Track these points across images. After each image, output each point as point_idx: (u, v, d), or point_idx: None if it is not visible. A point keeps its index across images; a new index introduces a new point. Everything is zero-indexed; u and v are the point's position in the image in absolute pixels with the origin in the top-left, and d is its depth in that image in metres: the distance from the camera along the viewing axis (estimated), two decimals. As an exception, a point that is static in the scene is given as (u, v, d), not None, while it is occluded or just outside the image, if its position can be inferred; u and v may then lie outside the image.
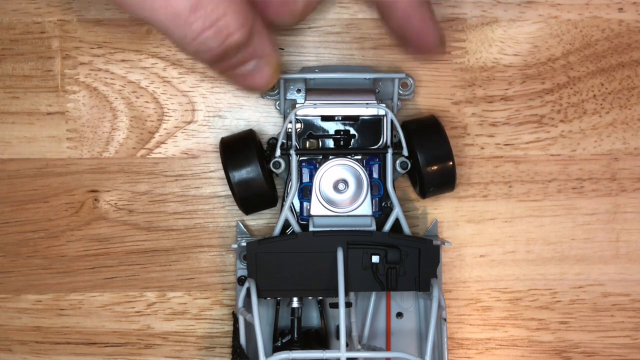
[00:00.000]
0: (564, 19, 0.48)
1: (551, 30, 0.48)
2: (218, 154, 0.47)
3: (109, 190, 0.48)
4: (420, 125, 0.46)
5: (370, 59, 0.48)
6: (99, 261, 0.48)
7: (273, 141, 0.46)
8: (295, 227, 0.44)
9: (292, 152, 0.44)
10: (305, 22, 0.48)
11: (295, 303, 0.44)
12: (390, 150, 0.44)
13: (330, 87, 0.45)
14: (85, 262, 0.48)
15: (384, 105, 0.45)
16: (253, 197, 0.44)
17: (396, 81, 0.46)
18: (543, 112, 0.49)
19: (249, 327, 0.42)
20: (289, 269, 0.42)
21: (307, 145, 0.45)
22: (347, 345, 0.43)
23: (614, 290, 0.49)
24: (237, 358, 0.43)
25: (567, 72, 0.49)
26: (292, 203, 0.44)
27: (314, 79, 0.46)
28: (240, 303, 0.43)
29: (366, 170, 0.44)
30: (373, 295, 0.46)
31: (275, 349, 0.45)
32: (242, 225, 0.47)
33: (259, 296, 0.41)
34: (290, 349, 0.41)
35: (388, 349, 0.47)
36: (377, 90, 0.46)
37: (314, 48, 0.48)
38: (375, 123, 0.45)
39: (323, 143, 0.45)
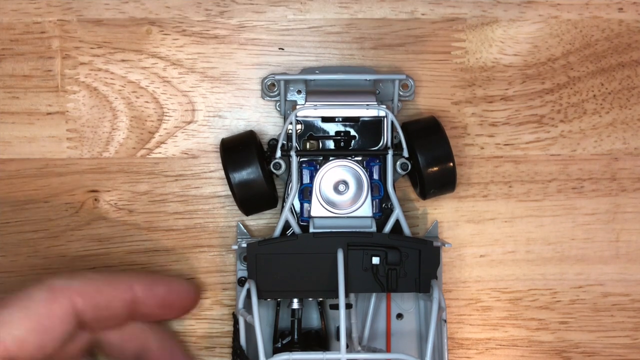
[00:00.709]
0: (564, 19, 0.48)
1: (551, 30, 0.48)
2: (218, 154, 0.47)
3: (109, 190, 0.48)
4: (420, 126, 0.46)
5: (370, 59, 0.48)
6: (99, 261, 0.48)
7: (273, 142, 0.46)
8: (296, 229, 0.44)
9: (293, 153, 0.44)
10: (305, 22, 0.48)
11: (295, 304, 0.44)
12: (390, 152, 0.44)
13: (331, 88, 0.45)
14: (85, 262, 0.48)
15: (384, 106, 0.44)
16: (253, 198, 0.44)
17: (396, 82, 0.46)
18: (543, 112, 0.49)
19: (249, 328, 0.42)
20: (290, 270, 0.42)
21: (308, 147, 0.45)
22: (347, 346, 0.43)
23: (614, 290, 0.49)
24: (238, 359, 0.43)
25: (567, 72, 0.49)
26: (293, 204, 0.44)
27: (314, 80, 0.46)
28: (241, 304, 0.43)
29: (366, 171, 0.44)
30: (373, 296, 0.46)
31: (276, 350, 0.45)
32: (242, 226, 0.47)
33: (259, 297, 0.41)
34: (291, 350, 0.41)
35: (388, 350, 0.47)
36: (377, 92, 0.46)
37: (314, 48, 0.48)
38: (375, 124, 0.45)
39: (323, 144, 0.45)
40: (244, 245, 0.43)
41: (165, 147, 0.48)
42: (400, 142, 0.44)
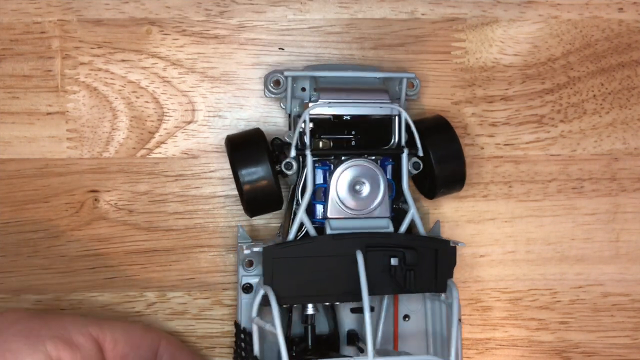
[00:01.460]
0: (564, 19, 0.48)
1: (551, 30, 0.48)
2: (218, 154, 0.47)
3: (109, 190, 0.48)
4: (430, 125, 0.45)
5: (370, 59, 0.48)
6: (99, 261, 0.48)
7: (277, 141, 0.45)
8: (311, 231, 0.42)
9: (308, 152, 0.42)
10: (305, 22, 0.48)
11: (310, 310, 0.43)
12: (405, 151, 0.43)
13: (342, 85, 0.44)
14: (85, 262, 0.48)
15: (397, 105, 0.43)
16: (262, 198, 0.43)
17: (404, 81, 0.45)
18: (543, 112, 0.49)
19: (260, 337, 0.41)
20: (308, 273, 0.40)
21: (321, 145, 0.43)
22: (361, 350, 0.42)
23: (614, 290, 0.49)
24: None
25: (567, 72, 0.49)
26: (297, 206, 0.43)
27: (324, 77, 0.44)
28: (255, 312, 0.41)
29: (379, 171, 0.43)
30: (386, 298, 0.46)
31: (290, 358, 0.42)
32: (242, 230, 0.46)
33: (279, 304, 0.39)
34: (305, 357, 0.40)
35: (396, 350, 0.46)
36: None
37: (314, 48, 0.48)
38: (382, 123, 0.44)
39: (334, 143, 0.44)
40: (247, 251, 0.42)
41: (165, 147, 0.48)
42: (408, 141, 0.44)
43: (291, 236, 0.42)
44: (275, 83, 0.46)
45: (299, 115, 0.45)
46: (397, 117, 0.43)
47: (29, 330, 0.38)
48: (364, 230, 0.42)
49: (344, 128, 0.44)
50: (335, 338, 0.46)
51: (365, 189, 0.42)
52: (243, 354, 0.43)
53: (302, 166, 0.43)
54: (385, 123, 0.44)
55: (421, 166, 0.44)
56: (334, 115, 0.43)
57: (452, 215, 0.49)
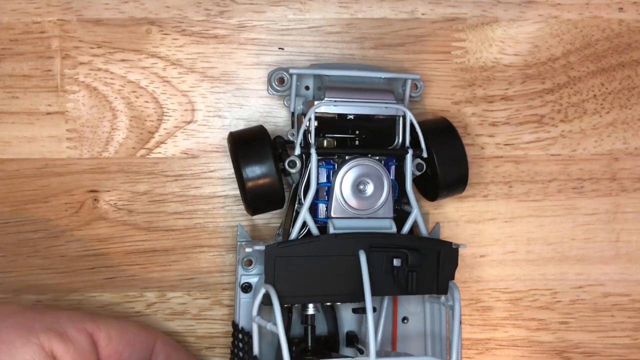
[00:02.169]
0: (564, 18, 0.48)
1: (551, 30, 0.48)
2: (218, 154, 0.47)
3: (108, 190, 0.48)
4: (434, 127, 0.45)
5: (371, 59, 0.48)
6: (99, 261, 0.48)
7: (280, 139, 0.45)
8: (314, 230, 0.42)
9: (313, 150, 0.41)
10: (305, 22, 0.48)
11: (310, 310, 0.43)
12: (410, 151, 0.43)
13: (348, 85, 0.44)
14: (85, 262, 0.48)
15: (403, 105, 0.43)
16: (265, 196, 0.42)
17: (409, 82, 0.45)
18: (543, 112, 0.49)
19: (261, 337, 0.41)
20: (310, 273, 0.40)
21: (325, 144, 0.43)
22: (361, 352, 0.42)
23: (614, 290, 0.49)
24: None
25: (567, 72, 0.49)
26: (300, 205, 0.42)
27: (330, 76, 0.44)
28: (255, 312, 0.41)
29: (382, 171, 0.43)
30: (386, 299, 0.45)
31: (290, 359, 0.42)
32: (242, 229, 0.47)
33: (281, 303, 0.39)
34: (304, 358, 0.40)
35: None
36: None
37: (314, 48, 0.48)
38: (387, 123, 0.44)
39: (338, 142, 0.44)
40: (249, 249, 0.42)
41: (165, 147, 0.48)
42: (413, 142, 0.43)
43: (294, 235, 0.42)
44: (280, 81, 0.46)
45: (303, 114, 0.44)
46: (401, 118, 0.43)
47: (22, 322, 0.38)
48: (367, 231, 0.41)
49: (348, 127, 0.44)
50: (334, 339, 0.45)
51: (369, 189, 0.42)
52: (240, 354, 0.43)
53: (305, 165, 0.42)
54: (388, 123, 0.44)
55: (424, 167, 0.44)
56: (338, 115, 0.43)
57: (452, 215, 0.49)
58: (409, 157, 0.43)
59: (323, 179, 0.43)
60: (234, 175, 0.44)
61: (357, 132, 0.44)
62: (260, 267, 0.44)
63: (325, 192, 0.43)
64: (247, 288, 0.44)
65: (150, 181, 0.48)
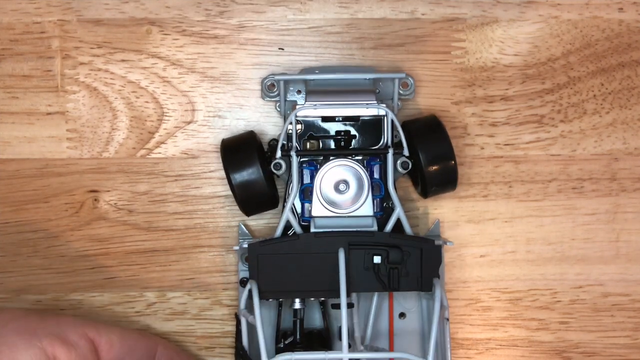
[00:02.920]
0: (564, 19, 0.48)
1: (551, 30, 0.48)
2: (218, 154, 0.47)
3: (109, 190, 0.48)
4: (421, 125, 0.46)
5: (370, 59, 0.48)
6: (99, 261, 0.48)
7: (274, 142, 0.46)
8: (297, 228, 0.44)
9: (293, 153, 0.44)
10: (305, 22, 0.48)
11: (297, 304, 0.44)
12: (390, 151, 0.44)
13: (331, 87, 0.45)
14: (85, 262, 0.48)
15: (384, 105, 0.44)
16: (254, 198, 0.44)
17: (396, 81, 0.46)
18: (543, 112, 0.49)
19: (252, 328, 0.42)
20: (291, 270, 0.42)
21: (308, 146, 0.45)
22: (349, 346, 0.43)
23: (614, 290, 0.49)
24: (240, 359, 0.43)
25: (567, 72, 0.49)
26: (294, 204, 0.44)
27: (314, 80, 0.45)
28: (242, 304, 0.43)
29: (367, 170, 0.44)
30: (375, 295, 0.46)
31: (278, 350, 0.45)
32: (243, 227, 0.47)
33: (261, 298, 0.41)
34: (293, 350, 0.41)
35: (391, 349, 0.47)
36: (377, 91, 0.46)
37: (314, 48, 0.48)
38: (375, 123, 0.45)
39: (324, 144, 0.45)
40: (246, 245, 0.43)
41: (165, 147, 0.48)
42: (400, 141, 0.44)
43: (277, 233, 0.44)
44: (270, 87, 0.47)
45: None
46: (385, 118, 0.44)
47: (25, 327, 0.39)
48: (347, 229, 0.43)
49: (335, 129, 0.45)
50: (327, 333, 0.46)
51: (349, 189, 0.44)
52: (237, 343, 0.44)
53: (289, 167, 0.44)
54: (376, 123, 0.45)
55: (410, 165, 0.44)
56: (322, 117, 0.45)
57: (452, 215, 0.49)
58: (389, 156, 0.44)
59: (307, 180, 0.44)
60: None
61: (342, 133, 0.45)
62: None
63: (310, 192, 0.44)
64: (245, 282, 0.46)
65: (150, 181, 0.48)
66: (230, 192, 0.46)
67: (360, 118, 0.45)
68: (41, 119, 0.48)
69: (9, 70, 0.47)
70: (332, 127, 0.45)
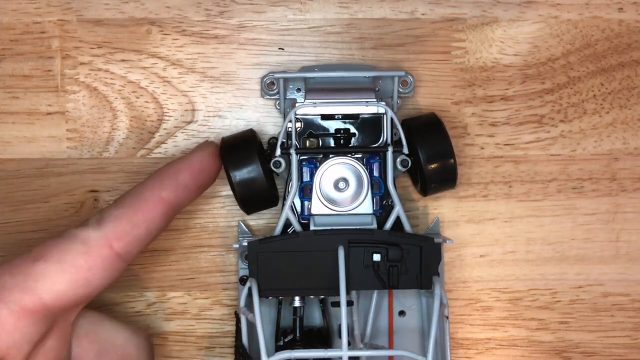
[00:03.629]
0: (564, 19, 0.48)
1: (551, 30, 0.48)
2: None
3: (109, 190, 0.48)
4: (420, 123, 0.46)
5: (370, 59, 0.48)
6: (99, 261, 0.48)
7: (273, 141, 0.46)
8: (296, 226, 0.44)
9: (292, 151, 0.44)
10: (305, 22, 0.48)
11: (297, 302, 0.44)
12: (390, 148, 0.44)
13: (330, 86, 0.45)
14: (85, 262, 0.48)
15: (383, 103, 0.44)
16: (254, 196, 0.44)
17: (396, 79, 0.46)
18: (543, 112, 0.49)
19: (251, 326, 0.42)
20: (291, 268, 0.42)
21: (307, 144, 0.45)
22: (349, 344, 0.43)
23: (614, 290, 0.49)
24: (240, 358, 0.43)
25: (567, 72, 0.49)
26: (293, 202, 0.44)
27: (313, 78, 0.46)
28: (242, 302, 0.43)
29: (367, 168, 0.44)
30: (375, 293, 0.46)
31: (278, 349, 0.45)
32: (243, 225, 0.47)
33: (261, 296, 0.41)
34: (293, 348, 0.41)
35: (390, 347, 0.47)
36: (377, 89, 0.46)
37: (314, 48, 0.48)
38: (375, 121, 0.45)
39: (323, 142, 0.45)
40: (245, 244, 0.43)
41: (165, 147, 0.48)
42: (400, 138, 0.44)
43: (277, 231, 0.44)
44: (270, 85, 0.47)
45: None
46: (384, 115, 0.44)
47: None
48: (346, 227, 0.43)
49: (335, 127, 0.45)
50: (326, 331, 0.46)
51: (349, 187, 0.44)
52: (237, 341, 0.44)
53: (289, 165, 0.44)
54: (376, 121, 0.45)
55: (409, 163, 0.44)
56: (322, 115, 0.45)
57: (452, 215, 0.49)
58: (389, 154, 0.44)
59: (307, 178, 0.44)
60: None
61: (342, 131, 0.45)
62: None
63: (309, 190, 0.44)
64: (245, 281, 0.46)
65: (150, 181, 0.48)
66: (230, 192, 0.46)
67: (360, 116, 0.45)
68: (41, 119, 0.48)
69: (9, 70, 0.48)
70: (332, 125, 0.45)
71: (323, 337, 0.46)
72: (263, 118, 0.48)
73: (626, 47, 0.49)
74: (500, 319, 0.49)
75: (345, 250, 0.42)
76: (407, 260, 0.42)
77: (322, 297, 0.46)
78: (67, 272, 0.37)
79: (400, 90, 0.47)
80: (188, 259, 0.48)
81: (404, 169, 0.45)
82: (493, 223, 0.49)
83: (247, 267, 0.45)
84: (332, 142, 0.45)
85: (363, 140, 0.45)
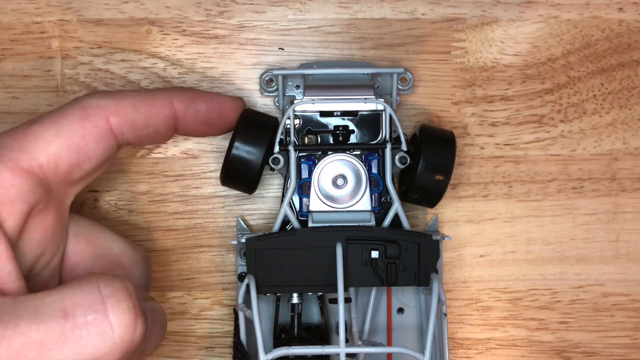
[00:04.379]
0: (564, 19, 0.48)
1: (551, 30, 0.48)
2: (218, 154, 0.48)
3: (109, 190, 0.48)
4: (436, 133, 0.45)
5: (370, 59, 0.48)
6: (99, 261, 0.48)
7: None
8: (295, 223, 0.44)
9: (291, 147, 0.44)
10: (305, 22, 0.48)
11: (295, 299, 0.44)
12: (389, 145, 0.44)
13: (329, 82, 0.45)
14: (85, 262, 0.48)
15: (382, 100, 0.44)
16: (239, 175, 0.44)
17: (395, 76, 0.46)
18: (543, 112, 0.49)
19: (250, 323, 0.42)
20: (289, 264, 0.42)
21: (306, 141, 0.45)
22: (347, 340, 0.43)
23: (614, 290, 0.49)
24: (238, 354, 0.43)
25: (567, 72, 0.49)
26: (292, 199, 0.44)
27: (312, 74, 0.46)
28: (240, 299, 0.43)
29: (365, 165, 0.44)
30: (373, 290, 0.46)
31: (276, 345, 0.45)
32: (242, 222, 0.47)
33: (259, 292, 0.41)
34: (290, 345, 0.41)
35: (389, 344, 0.47)
36: (375, 86, 0.46)
37: (314, 48, 0.48)
38: (374, 118, 0.45)
39: (322, 139, 0.45)
40: (244, 240, 0.43)
41: (165, 147, 0.48)
42: (399, 135, 0.44)
43: (275, 228, 0.44)
44: (269, 82, 0.47)
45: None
46: (383, 112, 0.44)
47: None
48: (345, 224, 0.43)
49: (333, 124, 0.45)
50: (325, 328, 0.46)
51: (347, 183, 0.44)
52: (235, 338, 0.44)
53: (287, 161, 0.44)
54: (375, 118, 0.45)
55: (408, 161, 0.44)
56: (320, 112, 0.45)
57: (452, 215, 0.49)
58: (388, 150, 0.44)
59: (305, 175, 0.44)
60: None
61: (341, 128, 0.45)
62: None
63: (307, 187, 0.44)
64: (243, 277, 0.46)
65: (150, 181, 0.48)
66: (230, 192, 0.46)
67: (359, 113, 0.45)
68: (41, 119, 0.48)
69: (9, 70, 0.48)
70: (331, 122, 0.45)
71: (321, 334, 0.46)
72: (263, 118, 0.48)
73: (626, 47, 0.49)
74: (500, 319, 0.49)
75: (343, 247, 0.42)
76: (406, 257, 0.42)
77: (320, 293, 0.46)
78: (61, 136, 0.37)
79: (400, 87, 0.47)
80: (188, 259, 0.48)
81: (402, 166, 0.45)
82: (493, 223, 0.49)
83: (245, 264, 0.45)
84: (330, 139, 0.45)
85: (362, 137, 0.45)
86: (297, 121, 0.45)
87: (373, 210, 0.44)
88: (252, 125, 0.44)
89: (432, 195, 0.45)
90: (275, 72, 0.46)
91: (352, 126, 0.45)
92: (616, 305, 0.49)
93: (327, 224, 0.43)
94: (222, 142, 0.48)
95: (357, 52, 0.48)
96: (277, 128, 0.45)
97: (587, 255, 0.49)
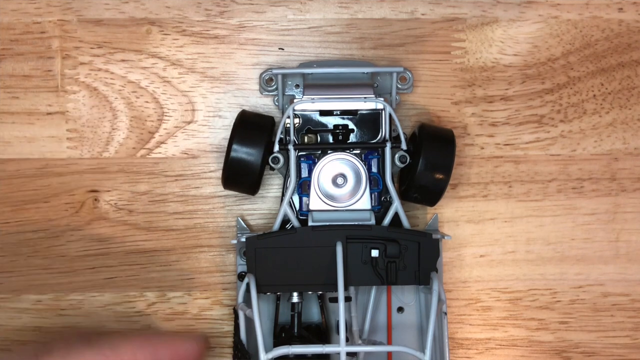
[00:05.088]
0: (564, 19, 0.48)
1: (551, 30, 0.48)
2: (218, 154, 0.48)
3: (109, 190, 0.48)
4: (436, 132, 0.45)
5: (370, 59, 0.48)
6: (99, 261, 0.48)
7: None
8: (295, 222, 0.44)
9: (290, 147, 0.44)
10: (305, 22, 0.48)
11: (295, 298, 0.44)
12: (388, 144, 0.44)
13: (329, 82, 0.45)
14: (85, 262, 0.48)
15: (382, 99, 0.44)
16: (239, 177, 0.44)
17: (394, 75, 0.46)
18: (543, 112, 0.49)
19: (250, 322, 0.42)
20: (289, 264, 0.42)
21: (306, 140, 0.45)
22: (347, 339, 0.43)
23: (614, 290, 0.49)
24: (238, 353, 0.43)
25: (567, 72, 0.49)
26: (292, 198, 0.44)
27: (312, 74, 0.46)
28: (240, 298, 0.43)
29: (365, 164, 0.44)
30: (373, 289, 0.46)
31: (276, 344, 0.45)
32: (242, 222, 0.47)
33: (259, 291, 0.41)
34: (291, 344, 0.41)
35: (389, 343, 0.47)
36: (375, 85, 0.46)
37: (314, 48, 0.48)
38: (374, 117, 0.45)
39: (322, 138, 0.45)
40: (244, 239, 0.43)
41: (165, 147, 0.48)
42: (398, 134, 0.44)
43: (276, 227, 0.44)
44: (268, 81, 0.47)
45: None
46: (383, 111, 0.44)
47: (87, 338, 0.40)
48: (345, 223, 0.43)
49: (333, 123, 0.45)
50: (325, 327, 0.46)
51: (347, 182, 0.44)
52: (235, 337, 0.44)
53: (287, 161, 0.44)
54: (375, 117, 0.45)
55: (408, 159, 0.44)
56: (320, 111, 0.45)
57: (452, 215, 0.49)
58: (387, 149, 0.44)
59: (305, 174, 0.44)
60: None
61: (340, 127, 0.45)
62: None
63: (307, 186, 0.44)
64: (243, 277, 0.46)
65: (150, 181, 0.48)
66: (230, 192, 0.46)
67: (358, 112, 0.45)
68: (41, 119, 0.48)
69: (9, 70, 0.48)
70: (330, 121, 0.45)
71: (321, 333, 0.46)
72: (263, 118, 0.48)
73: (626, 47, 0.49)
74: (500, 319, 0.49)
75: (343, 246, 0.42)
76: (406, 256, 0.42)
77: (320, 292, 0.46)
78: None
79: (399, 86, 0.47)
80: (188, 259, 0.48)
81: (402, 165, 0.45)
82: (493, 223, 0.49)
83: (245, 263, 0.45)
84: (330, 138, 0.45)
85: (361, 136, 0.45)
86: (296, 120, 0.45)
87: (373, 209, 0.44)
88: (249, 127, 0.44)
89: (432, 194, 0.45)
90: (274, 71, 0.46)
91: (351, 125, 0.45)
92: (616, 305, 0.49)
93: (327, 223, 0.43)
94: (222, 142, 0.48)
95: (357, 52, 0.48)
96: (274, 127, 0.45)
97: (587, 255, 0.49)
